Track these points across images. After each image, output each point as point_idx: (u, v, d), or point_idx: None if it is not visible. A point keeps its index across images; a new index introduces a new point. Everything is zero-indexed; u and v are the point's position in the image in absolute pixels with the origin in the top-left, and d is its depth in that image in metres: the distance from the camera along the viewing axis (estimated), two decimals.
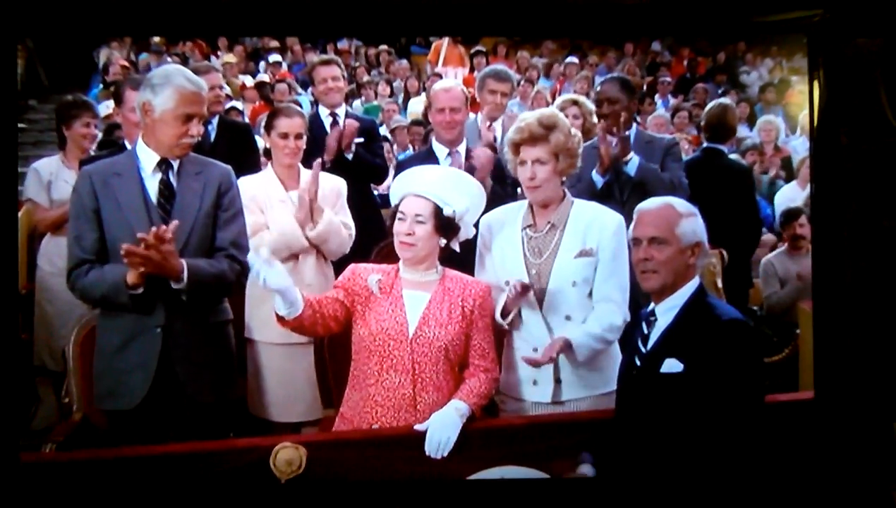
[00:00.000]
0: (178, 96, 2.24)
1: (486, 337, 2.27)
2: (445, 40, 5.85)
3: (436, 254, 2.28)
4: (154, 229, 2.12)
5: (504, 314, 2.28)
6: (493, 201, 2.63)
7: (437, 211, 2.24)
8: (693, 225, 2.06)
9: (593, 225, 2.32)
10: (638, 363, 2.06)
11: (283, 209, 2.72)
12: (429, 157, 2.98)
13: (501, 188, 2.89)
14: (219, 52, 5.75)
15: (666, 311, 2.04)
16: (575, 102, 3.29)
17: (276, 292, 2.09)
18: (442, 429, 2.13)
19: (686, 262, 2.04)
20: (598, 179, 2.89)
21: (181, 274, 2.18)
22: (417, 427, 2.15)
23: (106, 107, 3.71)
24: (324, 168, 2.88)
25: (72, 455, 2.24)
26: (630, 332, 2.18)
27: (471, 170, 2.83)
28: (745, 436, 1.96)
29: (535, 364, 2.21)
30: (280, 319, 2.15)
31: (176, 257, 2.17)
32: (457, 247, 2.33)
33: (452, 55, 5.88)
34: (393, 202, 2.32)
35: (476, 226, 2.38)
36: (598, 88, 3.18)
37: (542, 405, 2.30)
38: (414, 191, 2.26)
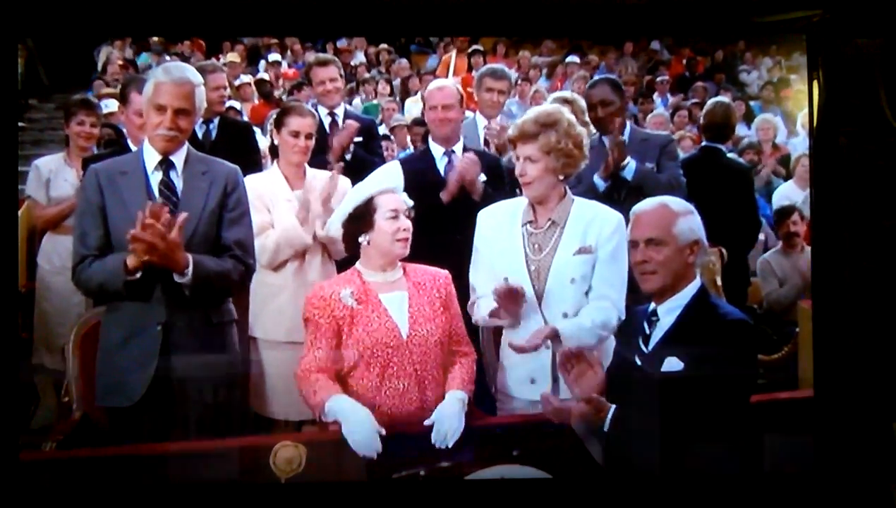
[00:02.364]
0: (152, 87, 2.27)
1: (458, 323, 2.31)
2: (453, 53, 5.85)
3: None
4: (150, 204, 2.12)
5: (492, 315, 2.27)
6: (484, 202, 2.62)
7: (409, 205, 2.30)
8: (689, 223, 2.05)
9: (593, 222, 2.32)
10: (639, 362, 2.06)
11: (288, 208, 2.72)
12: (425, 157, 2.96)
13: (495, 190, 2.88)
14: (220, 56, 5.73)
15: (668, 312, 2.04)
16: (567, 101, 3.26)
17: None
18: (448, 419, 2.15)
19: (685, 261, 2.03)
20: (601, 183, 2.89)
21: (186, 268, 2.19)
22: (425, 422, 2.16)
23: (105, 107, 3.71)
24: (322, 167, 2.88)
25: (71, 454, 2.23)
26: (627, 331, 2.17)
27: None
28: (743, 434, 1.97)
29: (521, 350, 2.22)
30: None
31: (182, 249, 2.18)
32: None
33: (462, 66, 5.87)
34: (355, 204, 2.30)
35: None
36: (589, 92, 3.11)
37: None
38: (390, 187, 2.31)
